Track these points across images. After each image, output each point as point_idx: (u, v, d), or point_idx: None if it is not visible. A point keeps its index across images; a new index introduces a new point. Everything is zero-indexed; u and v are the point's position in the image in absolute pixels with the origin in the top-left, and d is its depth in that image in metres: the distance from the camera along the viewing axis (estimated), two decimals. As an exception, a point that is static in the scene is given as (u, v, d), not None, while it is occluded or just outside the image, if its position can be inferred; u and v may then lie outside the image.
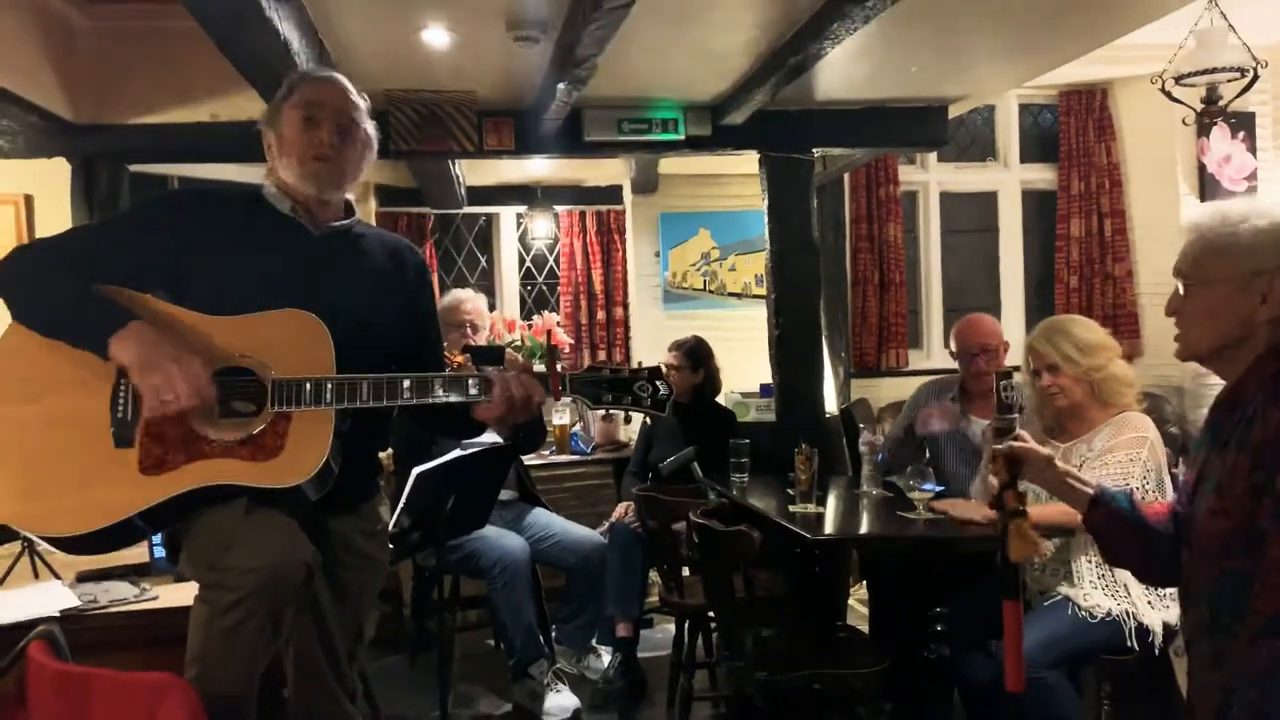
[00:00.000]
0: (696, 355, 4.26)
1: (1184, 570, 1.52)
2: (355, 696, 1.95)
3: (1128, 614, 2.54)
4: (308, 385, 1.72)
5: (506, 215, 6.05)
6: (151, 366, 1.64)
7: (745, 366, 5.05)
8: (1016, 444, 1.69)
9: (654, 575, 4.02)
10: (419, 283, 2.03)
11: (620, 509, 4.05)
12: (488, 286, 5.94)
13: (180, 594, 2.16)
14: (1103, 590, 2.57)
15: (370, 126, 1.94)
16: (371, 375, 1.76)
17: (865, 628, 3.52)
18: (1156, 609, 2.55)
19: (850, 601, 4.13)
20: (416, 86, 3.88)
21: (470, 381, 1.82)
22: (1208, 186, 5.35)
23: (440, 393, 1.80)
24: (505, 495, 3.76)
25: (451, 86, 3.89)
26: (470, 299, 4.02)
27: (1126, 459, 2.53)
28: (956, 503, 2.85)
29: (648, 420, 4.24)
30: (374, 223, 5.39)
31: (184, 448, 1.70)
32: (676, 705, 3.45)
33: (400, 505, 2.93)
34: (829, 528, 3.09)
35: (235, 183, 4.19)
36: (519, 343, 5.06)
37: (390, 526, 2.93)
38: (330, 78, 1.94)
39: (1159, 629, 2.52)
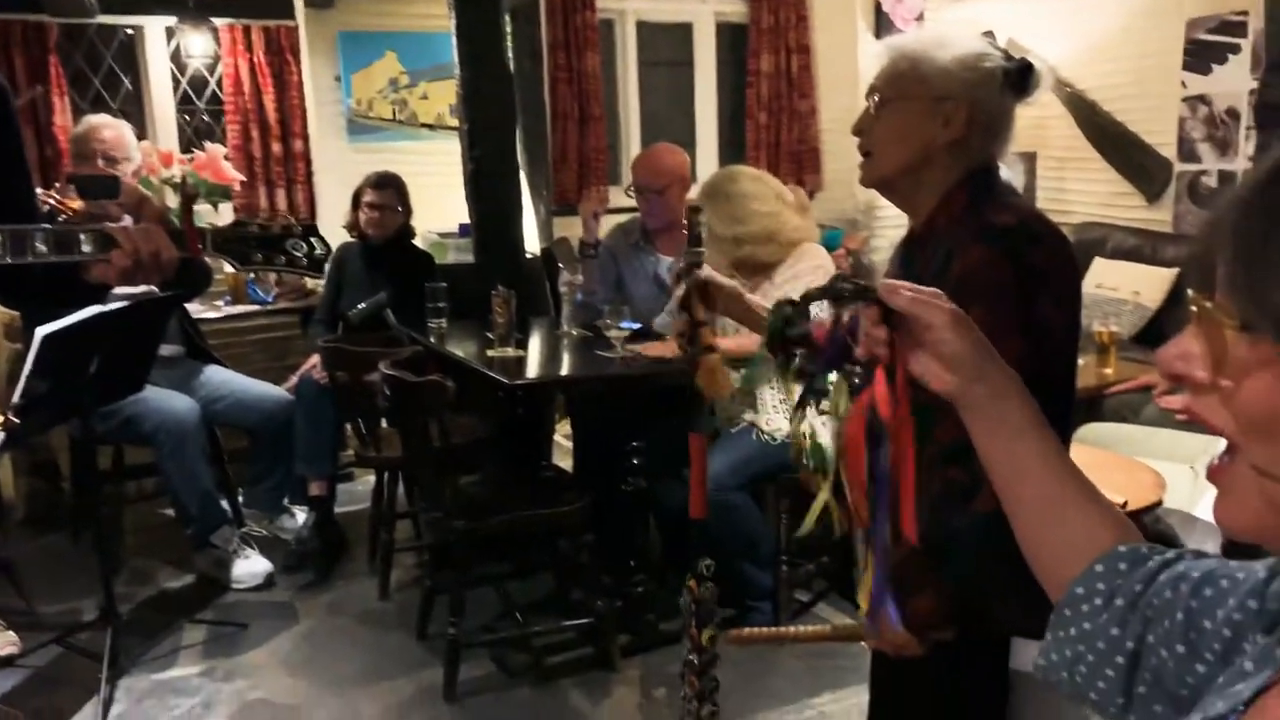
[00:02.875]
0: (405, 193, 3.94)
1: None
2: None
3: (805, 435, 2.71)
4: None
5: (153, 28, 5.18)
6: None
7: (443, 204, 4.75)
8: (705, 276, 1.68)
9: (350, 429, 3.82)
10: None
11: (308, 362, 3.75)
12: (137, 113, 5.12)
13: None
14: (784, 415, 2.74)
15: None
16: None
17: (570, 465, 3.58)
18: (829, 428, 2.75)
19: (558, 438, 4.17)
20: None
21: (83, 237, 1.46)
22: (883, 24, 5.64)
23: (42, 249, 1.44)
24: (168, 351, 3.35)
25: None
26: (108, 125, 3.44)
27: (806, 285, 2.65)
28: (650, 346, 2.88)
29: (337, 262, 3.91)
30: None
31: None
32: (378, 559, 3.36)
33: (26, 372, 2.49)
34: (530, 371, 3.04)
35: None
36: (177, 179, 4.44)
37: (18, 396, 2.52)
38: None
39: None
